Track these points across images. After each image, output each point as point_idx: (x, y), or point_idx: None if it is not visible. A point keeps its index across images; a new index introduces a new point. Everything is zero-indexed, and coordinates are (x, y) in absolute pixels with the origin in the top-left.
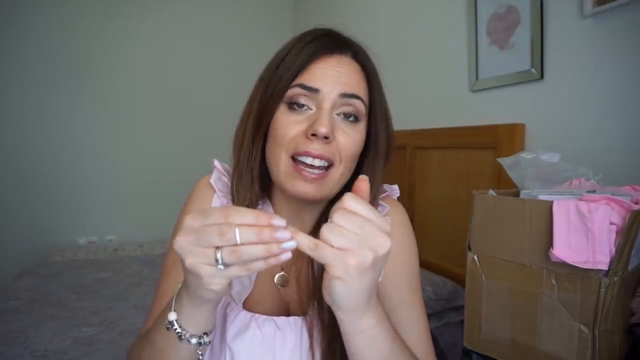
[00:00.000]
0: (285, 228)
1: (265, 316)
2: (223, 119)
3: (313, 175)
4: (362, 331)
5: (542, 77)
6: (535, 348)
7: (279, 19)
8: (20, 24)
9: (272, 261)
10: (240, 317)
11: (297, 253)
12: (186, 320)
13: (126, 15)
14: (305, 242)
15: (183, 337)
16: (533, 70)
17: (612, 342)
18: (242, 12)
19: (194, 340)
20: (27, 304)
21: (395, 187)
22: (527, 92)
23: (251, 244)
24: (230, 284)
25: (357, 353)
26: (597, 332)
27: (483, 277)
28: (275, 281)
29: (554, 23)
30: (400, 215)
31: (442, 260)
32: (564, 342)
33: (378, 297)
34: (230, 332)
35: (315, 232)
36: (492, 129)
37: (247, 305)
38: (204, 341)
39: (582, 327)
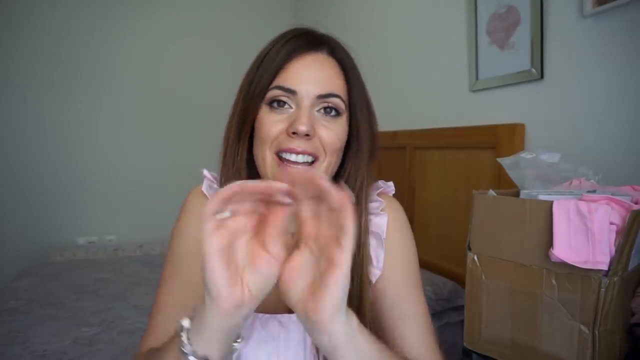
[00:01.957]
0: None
1: (268, 315)
2: (222, 119)
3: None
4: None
5: (542, 77)
6: (535, 348)
7: (279, 18)
8: (16, 25)
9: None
10: None
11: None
12: (194, 336)
13: (122, 14)
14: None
15: (186, 351)
16: (533, 70)
17: (612, 342)
18: (240, 11)
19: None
20: (27, 304)
21: (391, 183)
22: (527, 92)
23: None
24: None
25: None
26: (597, 332)
27: (483, 277)
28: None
29: (554, 23)
30: (397, 213)
31: (442, 260)
32: (564, 342)
33: (377, 293)
34: None
35: None
36: (492, 129)
37: None
38: (234, 347)
39: (582, 327)
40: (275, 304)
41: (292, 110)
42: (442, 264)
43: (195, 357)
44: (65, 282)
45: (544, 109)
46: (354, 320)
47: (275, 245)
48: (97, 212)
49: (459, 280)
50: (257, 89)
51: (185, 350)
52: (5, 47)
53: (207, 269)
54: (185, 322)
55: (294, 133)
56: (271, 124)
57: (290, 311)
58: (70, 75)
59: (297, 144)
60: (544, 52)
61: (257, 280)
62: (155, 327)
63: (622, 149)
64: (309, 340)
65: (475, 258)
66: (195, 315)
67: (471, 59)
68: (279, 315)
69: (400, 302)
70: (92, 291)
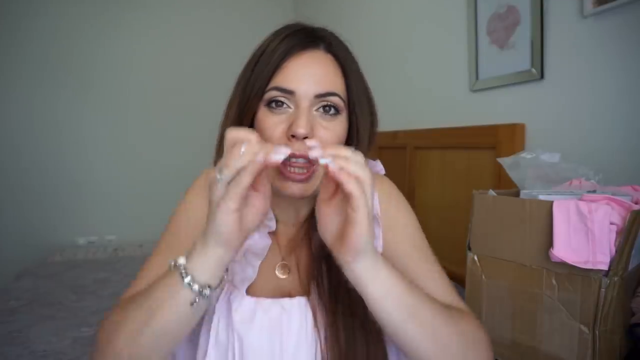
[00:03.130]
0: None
1: (270, 299)
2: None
3: (300, 177)
4: (377, 279)
5: (542, 77)
6: (535, 348)
7: (279, 15)
8: (12, 25)
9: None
10: (245, 303)
11: (296, 242)
12: (193, 266)
13: (120, 12)
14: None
15: (186, 281)
16: (533, 70)
17: (612, 342)
18: (239, 7)
19: (195, 287)
20: (27, 304)
21: (378, 162)
22: (527, 92)
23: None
24: (236, 240)
25: (379, 311)
26: (597, 332)
27: (483, 277)
28: (276, 271)
29: (554, 23)
30: (387, 187)
31: (442, 260)
32: (564, 342)
33: None
34: (237, 319)
35: (310, 223)
36: (492, 129)
37: (250, 294)
38: (204, 293)
39: (582, 327)
40: (276, 288)
41: (290, 110)
42: (442, 264)
43: (198, 284)
44: (65, 282)
45: (544, 109)
46: (380, 261)
47: (264, 185)
48: (97, 212)
49: (459, 280)
50: (254, 89)
51: (186, 281)
52: (4, 48)
53: (221, 218)
54: (181, 259)
55: (292, 136)
56: (272, 126)
57: (291, 295)
58: (70, 75)
59: (297, 148)
60: (544, 52)
61: (253, 216)
62: (142, 281)
63: (622, 149)
64: (310, 323)
65: (475, 258)
66: (193, 252)
67: (471, 59)
68: (280, 300)
69: (411, 267)
70: (92, 291)
